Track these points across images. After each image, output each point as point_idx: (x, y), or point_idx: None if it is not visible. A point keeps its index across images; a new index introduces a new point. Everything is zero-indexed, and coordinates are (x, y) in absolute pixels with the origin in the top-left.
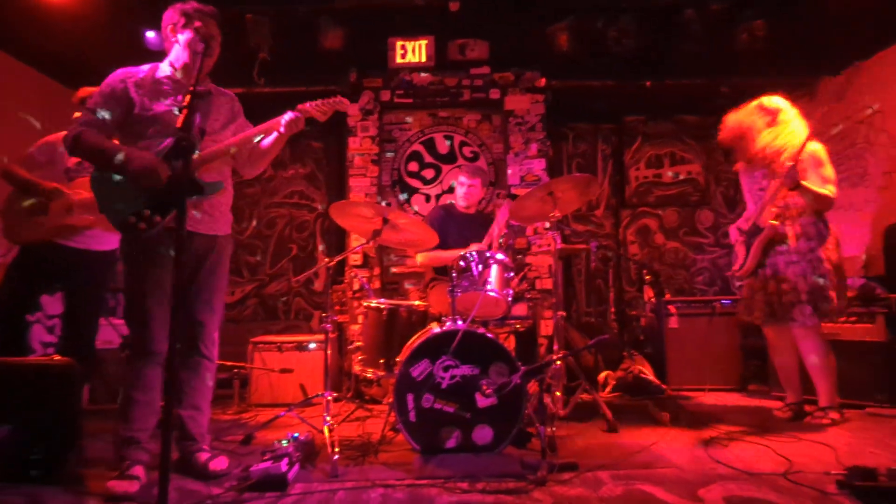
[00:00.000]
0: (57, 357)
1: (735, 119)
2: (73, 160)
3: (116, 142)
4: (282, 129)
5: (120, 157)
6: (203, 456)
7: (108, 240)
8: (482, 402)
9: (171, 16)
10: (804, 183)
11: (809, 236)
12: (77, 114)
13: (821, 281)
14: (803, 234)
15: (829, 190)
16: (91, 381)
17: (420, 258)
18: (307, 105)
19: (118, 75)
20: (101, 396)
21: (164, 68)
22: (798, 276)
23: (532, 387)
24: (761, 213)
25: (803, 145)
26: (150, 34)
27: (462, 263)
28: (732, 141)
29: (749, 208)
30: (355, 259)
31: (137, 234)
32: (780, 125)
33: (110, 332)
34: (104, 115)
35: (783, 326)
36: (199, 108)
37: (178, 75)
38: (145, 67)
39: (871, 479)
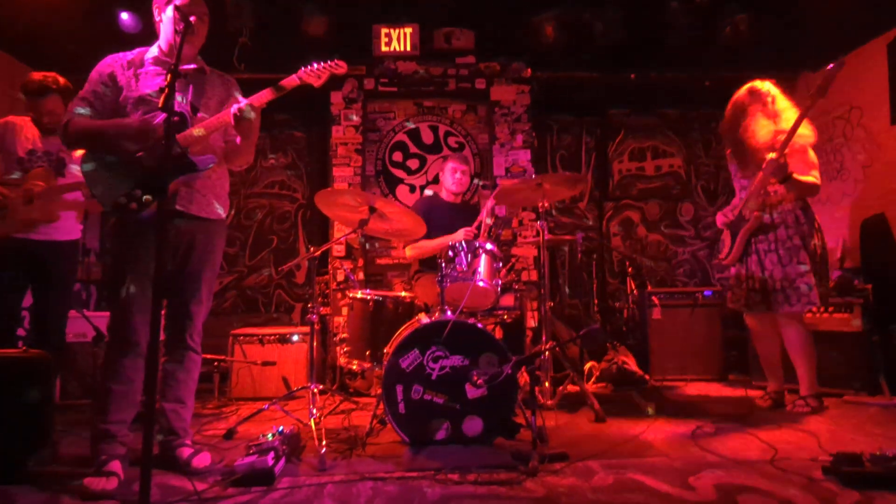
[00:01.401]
0: (31, 350)
1: (731, 108)
2: (25, 148)
3: None
4: (230, 120)
5: (115, 127)
6: (186, 451)
7: (72, 229)
8: (472, 392)
9: None
10: (795, 176)
11: (787, 224)
12: (22, 97)
13: (801, 268)
14: (782, 222)
15: (814, 177)
16: (62, 375)
17: (409, 251)
18: (301, 71)
19: (106, 61)
20: (74, 391)
21: (153, 50)
22: (777, 264)
23: (521, 377)
24: (746, 202)
25: (791, 136)
26: (125, 15)
27: (451, 253)
28: (729, 130)
29: (738, 195)
30: (339, 250)
31: (129, 215)
32: (776, 115)
33: (83, 325)
34: (94, 100)
35: (766, 315)
36: (193, 86)
37: (166, 56)
38: (134, 51)
39: (857, 464)
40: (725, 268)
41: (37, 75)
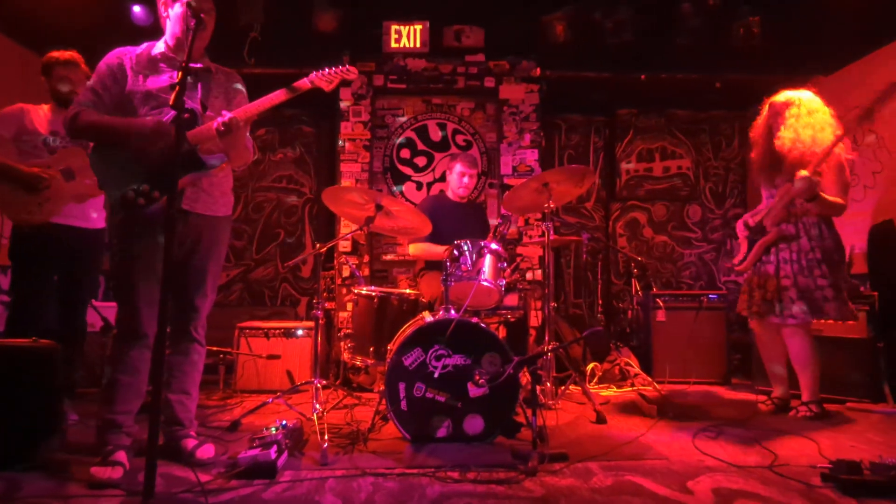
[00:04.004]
0: (40, 340)
1: (764, 114)
2: (50, 129)
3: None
4: (213, 133)
5: (127, 126)
6: (190, 443)
7: (99, 218)
8: (474, 391)
9: None
10: (823, 195)
11: (811, 236)
12: (46, 73)
13: (819, 281)
14: (806, 233)
15: (842, 199)
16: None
17: (412, 249)
18: (312, 75)
19: (115, 53)
20: (82, 380)
21: (160, 46)
22: (798, 273)
23: (523, 377)
24: (768, 213)
25: (829, 151)
26: (137, 8)
27: (455, 253)
28: (760, 137)
29: (764, 202)
30: (345, 246)
31: (137, 210)
32: (811, 126)
33: (91, 315)
34: (102, 93)
35: (773, 322)
36: (202, 84)
37: (173, 52)
38: (142, 46)
39: (856, 472)
40: (731, 271)
41: (60, 51)
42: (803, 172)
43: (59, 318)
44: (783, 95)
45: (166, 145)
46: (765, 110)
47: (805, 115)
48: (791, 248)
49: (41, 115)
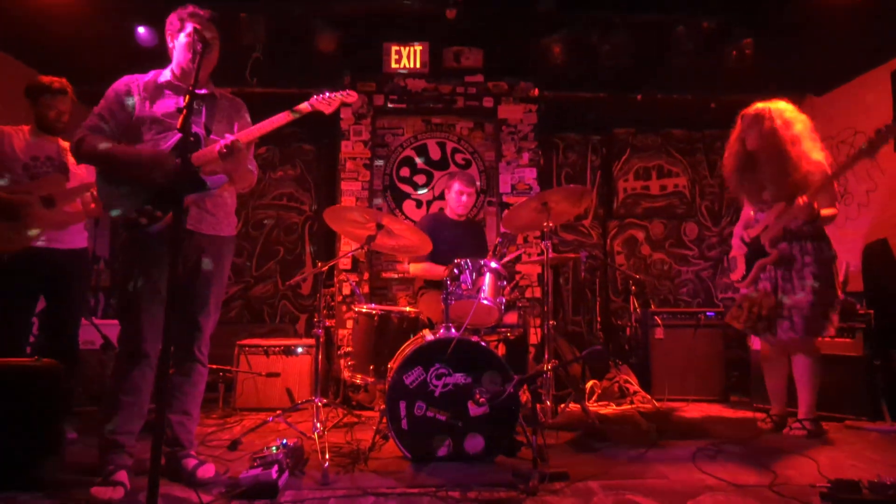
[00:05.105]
0: (43, 359)
1: (739, 130)
2: (28, 154)
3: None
4: (217, 157)
5: (126, 154)
6: (191, 462)
7: (82, 237)
8: (474, 410)
9: (169, 22)
10: (823, 213)
11: (806, 251)
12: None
13: (812, 298)
14: (801, 251)
15: (834, 209)
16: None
17: (413, 268)
18: (313, 99)
19: (123, 81)
20: (81, 398)
21: (166, 74)
22: (791, 292)
23: (523, 395)
24: (766, 232)
25: (824, 175)
26: (142, 29)
27: (456, 271)
28: (736, 155)
29: (745, 211)
30: (345, 263)
31: (139, 230)
32: (790, 141)
33: (92, 333)
34: (109, 119)
35: (777, 339)
36: (205, 108)
37: (179, 80)
38: (149, 73)
39: (855, 492)
40: (729, 288)
41: (50, 77)
42: (804, 199)
43: (48, 338)
44: (753, 107)
45: (165, 173)
46: (738, 124)
47: (783, 128)
48: (787, 268)
49: (20, 138)
